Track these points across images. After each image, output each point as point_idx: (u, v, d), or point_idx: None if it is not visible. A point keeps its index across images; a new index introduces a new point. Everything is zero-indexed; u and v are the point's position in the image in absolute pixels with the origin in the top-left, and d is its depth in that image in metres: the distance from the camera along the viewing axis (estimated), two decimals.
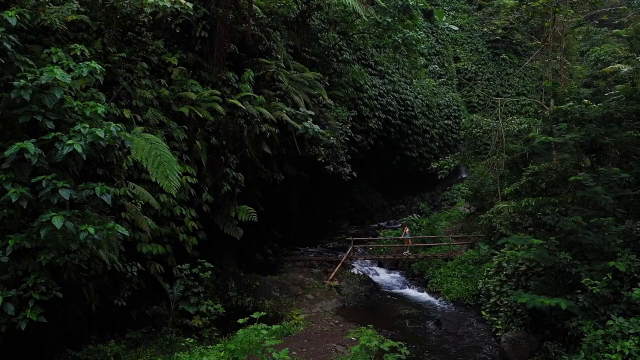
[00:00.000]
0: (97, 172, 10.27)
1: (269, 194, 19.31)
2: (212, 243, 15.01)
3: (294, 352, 11.24)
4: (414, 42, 23.48)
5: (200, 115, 14.06)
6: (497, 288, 14.45)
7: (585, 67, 35.92)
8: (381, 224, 28.58)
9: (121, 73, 12.51)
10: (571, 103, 15.93)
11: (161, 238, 12.67)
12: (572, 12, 21.80)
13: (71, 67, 9.18)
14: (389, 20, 21.98)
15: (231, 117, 15.51)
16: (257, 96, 16.31)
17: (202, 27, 15.00)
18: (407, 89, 30.21)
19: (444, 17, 38.64)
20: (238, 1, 16.98)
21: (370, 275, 19.85)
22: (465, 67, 39.02)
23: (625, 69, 17.45)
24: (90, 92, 10.22)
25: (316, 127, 16.83)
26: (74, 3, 10.86)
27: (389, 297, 17.73)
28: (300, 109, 17.40)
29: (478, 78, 38.72)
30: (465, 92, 37.79)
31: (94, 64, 9.24)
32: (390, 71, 29.24)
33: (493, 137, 21.06)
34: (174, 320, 12.90)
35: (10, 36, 8.71)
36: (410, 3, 22.18)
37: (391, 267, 21.35)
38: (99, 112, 9.06)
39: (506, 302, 13.66)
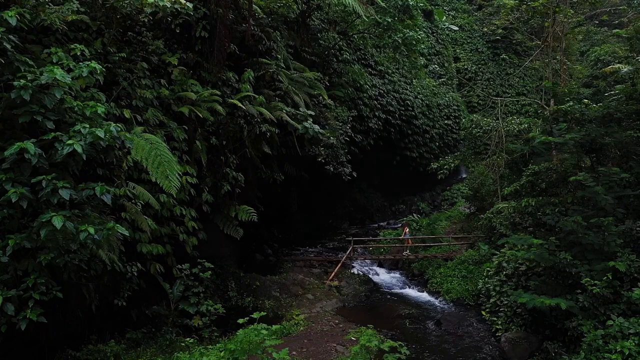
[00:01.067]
0: (97, 172, 10.27)
1: (269, 194, 19.30)
2: (212, 243, 15.01)
3: (294, 352, 11.24)
4: (414, 42, 23.50)
5: (200, 115, 14.05)
6: (497, 288, 14.45)
7: (585, 67, 35.91)
8: (381, 224, 28.56)
9: (121, 73, 12.51)
10: (571, 103, 15.94)
11: (161, 238, 12.67)
12: (572, 12, 21.80)
13: (71, 67, 9.18)
14: (389, 20, 21.99)
15: (231, 117, 15.51)
16: (257, 96, 16.31)
17: (202, 27, 15.00)
18: (407, 89, 30.21)
19: (444, 17, 38.64)
20: (238, 1, 16.98)
21: (370, 275, 19.84)
22: (465, 67, 39.01)
23: (625, 69, 17.45)
24: (90, 92, 10.22)
25: (316, 127, 16.83)
26: (74, 3, 10.86)
27: (389, 297, 17.73)
28: (300, 109, 17.39)
29: (478, 78, 38.71)
30: (465, 92, 37.79)
31: (94, 64, 9.24)
32: (390, 71, 29.23)
33: (493, 137, 21.06)
34: (174, 320, 12.90)
35: (10, 36, 8.71)
36: (410, 3, 22.19)
37: (391, 267, 21.34)
38: (99, 112, 9.06)
39: (506, 302, 13.66)
